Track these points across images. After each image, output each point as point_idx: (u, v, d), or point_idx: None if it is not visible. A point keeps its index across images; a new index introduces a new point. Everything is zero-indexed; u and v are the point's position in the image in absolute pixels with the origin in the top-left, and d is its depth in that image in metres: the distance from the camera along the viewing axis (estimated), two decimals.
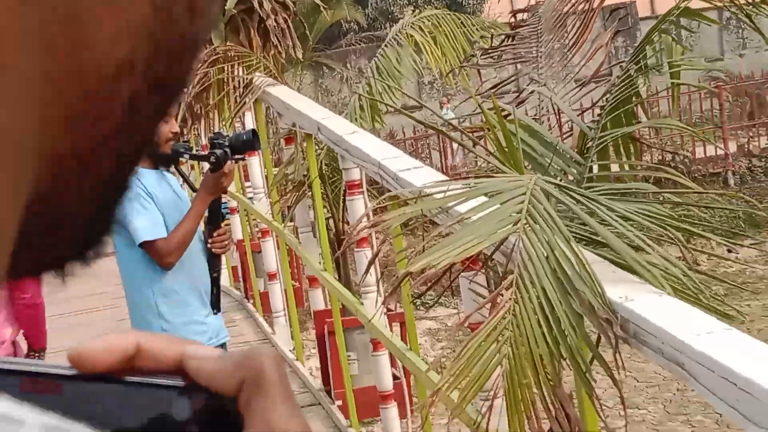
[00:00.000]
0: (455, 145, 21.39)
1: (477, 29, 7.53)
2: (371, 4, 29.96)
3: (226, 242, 4.98)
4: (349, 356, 6.67)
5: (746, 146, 21.52)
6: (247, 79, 8.24)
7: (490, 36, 7.00)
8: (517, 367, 2.80)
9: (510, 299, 2.95)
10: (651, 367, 11.64)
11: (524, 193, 3.16)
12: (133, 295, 4.76)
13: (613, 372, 2.76)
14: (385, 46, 7.67)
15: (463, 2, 30.93)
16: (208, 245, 4.86)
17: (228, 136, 4.96)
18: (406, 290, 4.99)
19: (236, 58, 8.41)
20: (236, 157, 4.94)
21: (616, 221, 3.08)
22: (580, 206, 3.12)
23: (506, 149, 3.67)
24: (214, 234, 4.89)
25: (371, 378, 6.97)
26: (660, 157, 18.31)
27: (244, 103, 8.04)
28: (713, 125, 21.50)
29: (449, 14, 7.60)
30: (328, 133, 5.93)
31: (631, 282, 2.91)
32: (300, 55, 10.27)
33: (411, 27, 7.46)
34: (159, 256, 4.69)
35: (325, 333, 7.14)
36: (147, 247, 4.67)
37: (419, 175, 4.57)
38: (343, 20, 28.29)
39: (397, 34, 7.60)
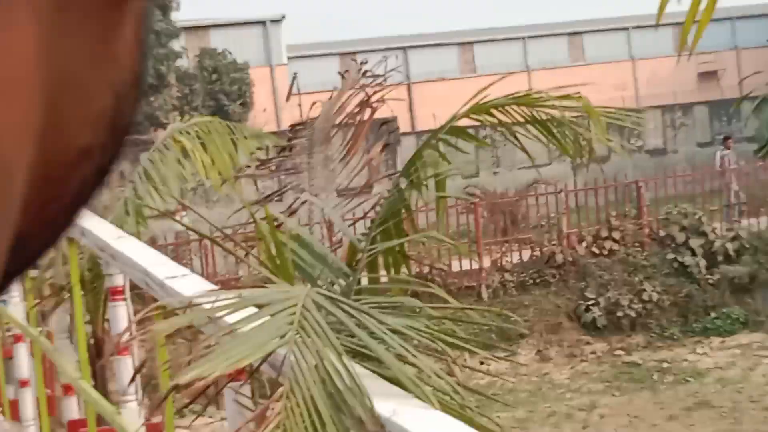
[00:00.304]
0: (218, 253, 21.31)
1: (246, 137, 7.57)
2: None
3: None
4: None
5: (499, 261, 22.21)
6: None
7: (264, 147, 7.05)
8: None
9: (280, 412, 2.93)
10: None
11: (295, 305, 3.17)
12: None
13: None
14: (154, 150, 7.61)
15: (229, 111, 31.11)
16: None
17: None
18: (170, 402, 4.90)
19: None
20: None
21: (387, 334, 3.12)
22: (352, 319, 3.15)
23: (277, 259, 3.68)
24: None
25: None
26: (418, 270, 18.72)
27: None
28: (469, 240, 22.17)
29: (220, 122, 7.62)
30: (93, 238, 5.81)
31: (400, 396, 2.94)
32: None
33: (180, 133, 7.44)
34: None
35: None
36: None
37: (186, 283, 4.52)
38: None
39: (166, 140, 7.56)
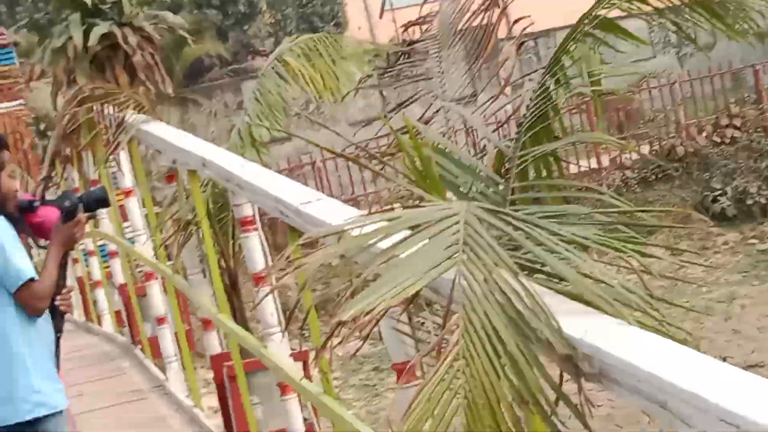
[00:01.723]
0: (332, 175, 21.07)
1: (353, 50, 7.26)
2: (231, 38, 29.61)
3: (71, 300, 4.68)
4: (252, 400, 6.32)
5: (618, 158, 21.67)
6: (118, 117, 7.84)
7: (374, 58, 6.75)
8: (475, 420, 2.52)
9: (458, 342, 2.66)
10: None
11: (457, 222, 2.88)
12: None
13: (580, 411, 2.49)
14: (262, 75, 7.35)
15: (322, 31, 30.76)
16: (56, 302, 4.50)
17: (78, 195, 4.66)
18: (316, 330, 4.68)
19: (105, 97, 8.01)
20: (88, 214, 4.63)
21: (561, 246, 2.82)
22: (520, 232, 2.85)
23: (424, 174, 3.39)
24: (63, 291, 4.55)
25: (277, 422, 6.62)
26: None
27: (118, 143, 7.64)
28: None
29: (327, 36, 7.31)
30: (215, 168, 5.59)
31: (587, 314, 2.65)
32: (170, 91, 9.88)
33: (289, 51, 7.16)
34: (35, 298, 4.34)
35: (224, 378, 6.77)
36: (24, 289, 4.30)
37: (323, 207, 4.27)
38: (204, 55, 27.88)
39: (274, 62, 7.28)
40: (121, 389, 8.60)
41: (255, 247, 5.49)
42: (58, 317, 4.54)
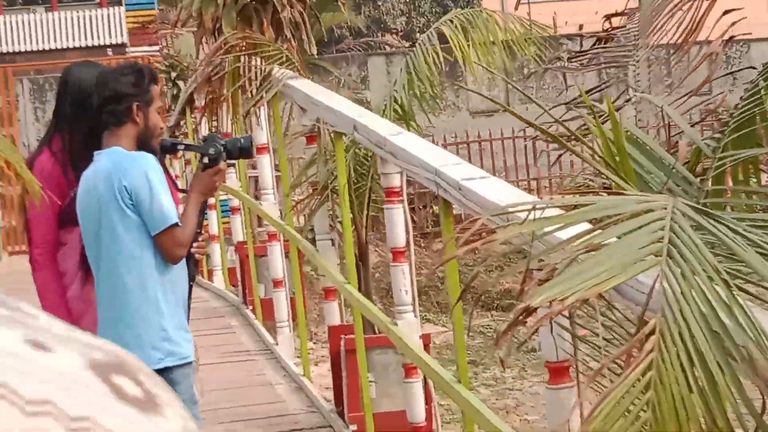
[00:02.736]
0: (486, 156, 20.63)
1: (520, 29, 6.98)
2: (364, 13, 29.52)
3: (205, 248, 4.48)
4: (368, 377, 6.10)
5: None
6: (265, 70, 7.66)
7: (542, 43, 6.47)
8: None
9: (652, 349, 2.39)
10: None
11: (663, 218, 2.60)
12: (132, 286, 4.16)
13: None
14: (418, 44, 7.11)
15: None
16: (191, 250, 4.29)
17: (222, 139, 4.43)
18: (458, 313, 4.43)
19: (254, 48, 7.83)
20: (229, 161, 4.42)
21: None
22: (736, 238, 2.56)
23: (618, 162, 3.11)
24: (199, 238, 4.34)
25: (390, 402, 6.42)
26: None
27: (262, 96, 7.45)
28: None
29: (489, 12, 7.03)
30: (367, 133, 5.36)
31: None
32: (314, 51, 9.69)
33: (446, 24, 6.89)
34: (175, 244, 4.15)
35: (341, 350, 6.56)
36: (167, 233, 4.11)
37: (487, 185, 4.01)
38: (335, 26, 27.79)
39: (430, 34, 7.03)
40: (228, 348, 8.46)
41: (398, 220, 5.25)
42: (192, 265, 4.36)
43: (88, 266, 4.59)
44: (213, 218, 11.14)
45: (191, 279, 4.36)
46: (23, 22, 23.11)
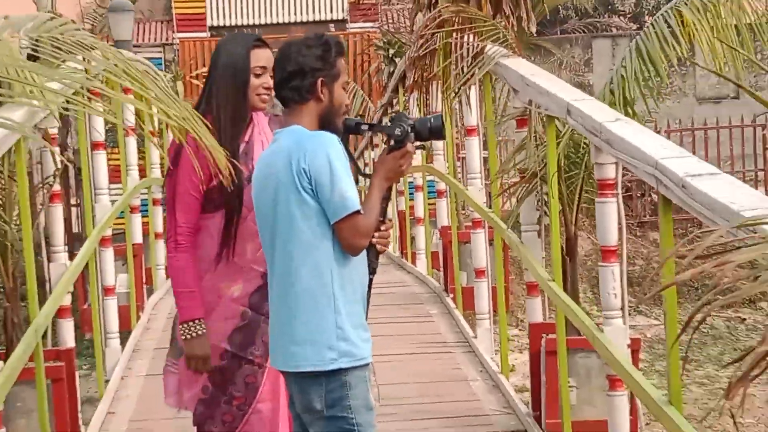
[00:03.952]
0: (713, 147, 19.68)
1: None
2: None
3: (389, 239, 4.02)
4: (568, 382, 5.60)
5: None
6: (478, 47, 7.21)
7: None
8: None
9: None
10: None
11: None
12: (307, 278, 3.77)
13: None
14: (650, 25, 6.51)
15: None
16: (373, 240, 3.85)
17: (411, 119, 3.95)
18: (672, 315, 3.89)
19: (468, 22, 7.38)
20: (417, 143, 3.95)
21: None
22: None
23: None
24: (381, 228, 3.88)
25: (592, 410, 5.94)
26: None
27: (473, 74, 7.01)
28: None
29: None
30: (582, 118, 4.87)
31: None
32: (533, 30, 9.16)
33: (685, 4, 6.27)
34: (357, 233, 3.73)
35: (541, 351, 6.09)
36: (347, 220, 3.71)
37: (716, 185, 3.48)
38: (561, 6, 27.07)
39: (666, 12, 6.42)
40: (426, 337, 8.09)
41: (611, 215, 4.75)
42: (373, 256, 3.94)
43: (222, 256, 4.28)
44: (419, 199, 10.80)
45: (371, 272, 3.95)
46: None
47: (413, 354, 7.66)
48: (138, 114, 7.83)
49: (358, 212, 3.74)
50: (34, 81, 3.55)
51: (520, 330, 15.87)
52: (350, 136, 4.02)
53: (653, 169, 3.84)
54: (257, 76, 4.30)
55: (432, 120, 3.97)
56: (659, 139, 4.26)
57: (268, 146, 4.01)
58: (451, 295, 8.96)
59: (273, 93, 4.00)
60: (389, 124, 3.95)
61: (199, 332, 4.27)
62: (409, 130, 3.90)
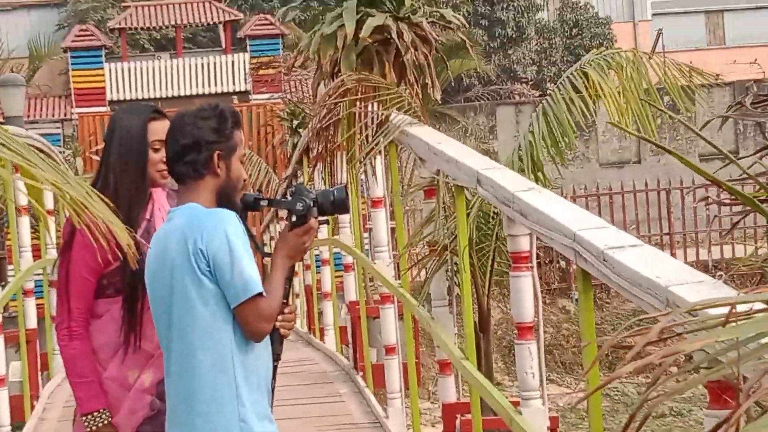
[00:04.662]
0: (617, 211, 19.67)
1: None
2: (494, 61, 28.84)
3: (293, 323, 3.72)
4: None
5: None
6: (382, 116, 6.98)
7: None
8: None
9: None
10: None
11: None
12: (208, 368, 3.45)
13: None
14: (557, 88, 6.34)
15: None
16: (276, 324, 3.55)
17: (312, 192, 3.67)
18: (594, 378, 3.64)
19: (371, 91, 7.15)
20: (320, 218, 3.67)
21: None
22: None
23: None
24: (285, 311, 3.58)
25: None
26: None
27: (378, 142, 6.76)
28: None
29: (638, 53, 6.25)
30: (493, 187, 4.62)
31: None
32: (438, 97, 8.97)
33: (590, 64, 6.12)
34: (259, 318, 3.42)
35: (456, 431, 5.79)
36: (249, 304, 3.40)
37: (638, 257, 3.24)
38: (464, 74, 27.18)
39: (571, 74, 6.26)
40: (336, 419, 7.75)
41: (526, 290, 4.49)
42: (277, 342, 3.63)
43: (128, 343, 3.94)
44: (326, 273, 10.52)
45: (276, 359, 3.64)
46: (149, 69, 22.96)
47: None
48: (30, 192, 7.48)
49: (260, 294, 3.44)
50: None
51: (431, 403, 15.57)
52: (249, 212, 3.73)
53: (571, 241, 3.60)
54: (156, 150, 4.01)
55: (335, 192, 3.69)
56: (575, 209, 4.02)
57: (161, 225, 3.70)
58: (361, 373, 8.65)
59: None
60: (290, 198, 3.66)
61: (104, 421, 3.96)
62: (312, 204, 3.62)
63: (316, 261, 11.37)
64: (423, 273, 6.45)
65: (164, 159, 3.98)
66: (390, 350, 7.45)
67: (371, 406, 7.91)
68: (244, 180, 3.63)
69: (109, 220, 3.45)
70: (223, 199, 3.57)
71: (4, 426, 7.19)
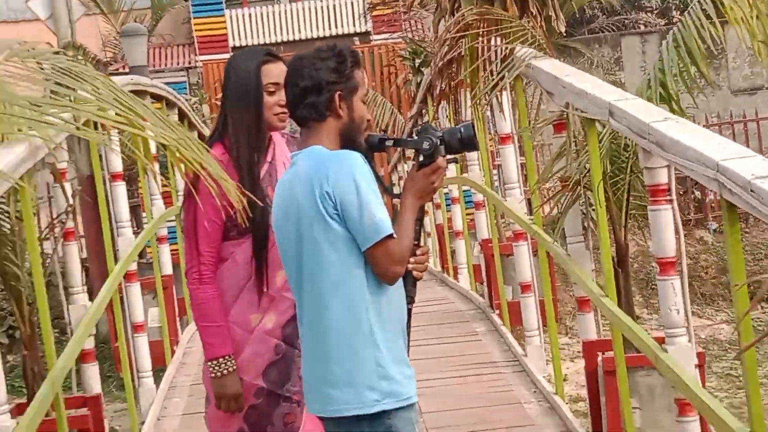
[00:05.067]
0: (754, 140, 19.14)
1: None
2: None
3: (427, 264, 3.63)
4: (631, 404, 5.19)
5: None
6: (506, 50, 6.81)
7: None
8: None
9: None
10: None
11: None
12: (340, 313, 3.40)
13: None
14: (687, 14, 6.09)
15: None
16: (409, 266, 3.47)
17: (439, 130, 3.57)
18: (747, 326, 3.47)
19: (493, 24, 6.99)
20: (449, 157, 3.56)
21: None
22: None
23: None
24: (417, 252, 3.48)
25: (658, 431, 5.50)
26: None
27: (502, 77, 6.61)
28: None
29: None
30: (627, 119, 4.46)
31: None
32: (562, 29, 8.74)
33: None
34: (391, 260, 3.35)
35: (598, 370, 5.67)
36: (380, 246, 3.33)
37: None
38: (587, 5, 26.62)
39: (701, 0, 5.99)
40: (473, 358, 7.69)
41: (666, 223, 4.35)
42: (410, 284, 3.56)
43: (253, 285, 3.95)
44: (457, 212, 10.44)
45: (410, 302, 3.57)
46: (269, 14, 23.00)
47: (461, 377, 7.27)
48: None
49: (391, 236, 3.37)
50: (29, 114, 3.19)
51: (569, 338, 15.42)
52: (375, 153, 3.65)
53: (714, 172, 3.44)
54: (271, 93, 3.97)
55: (462, 130, 3.59)
56: (716, 137, 3.85)
57: (285, 170, 3.65)
58: (497, 311, 8.56)
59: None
60: (416, 137, 3.57)
61: (229, 369, 3.96)
62: (438, 143, 3.53)
63: (446, 199, 11.29)
64: (555, 209, 6.32)
65: (280, 102, 3.96)
66: (526, 288, 7.35)
67: (509, 344, 7.83)
68: (368, 120, 3.55)
69: (221, 177, 3.41)
70: (347, 140, 3.50)
71: (145, 371, 7.30)
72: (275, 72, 3.96)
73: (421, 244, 3.57)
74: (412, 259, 3.48)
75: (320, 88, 3.47)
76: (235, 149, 3.96)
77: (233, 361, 3.96)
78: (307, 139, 3.51)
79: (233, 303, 3.99)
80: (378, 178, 3.49)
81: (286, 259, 3.52)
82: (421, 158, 3.52)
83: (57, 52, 3.26)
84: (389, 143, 3.64)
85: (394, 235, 3.38)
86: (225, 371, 3.96)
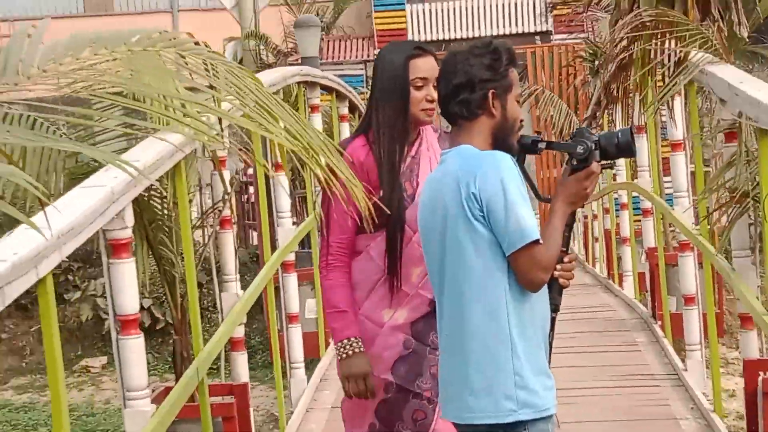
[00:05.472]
0: None
1: None
2: None
3: (573, 272, 3.49)
4: None
5: None
6: (680, 54, 6.59)
7: None
8: None
9: None
10: None
11: None
12: (481, 318, 3.30)
13: None
14: None
15: None
16: (555, 273, 3.33)
17: (595, 134, 3.42)
18: None
19: (667, 27, 6.76)
20: (603, 162, 3.41)
21: None
22: None
23: None
24: (564, 259, 3.35)
25: None
26: None
27: (675, 83, 6.39)
28: None
29: None
30: None
31: None
32: (745, 34, 8.43)
33: None
34: (536, 266, 3.24)
35: (758, 391, 5.43)
36: (525, 252, 3.22)
37: None
38: None
39: None
40: (631, 368, 7.47)
41: None
42: (555, 292, 3.43)
43: (386, 281, 3.91)
44: (625, 218, 10.23)
45: (554, 310, 3.44)
46: (450, 10, 22.98)
47: (617, 387, 7.07)
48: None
49: (537, 242, 3.25)
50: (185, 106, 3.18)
51: (740, 352, 14.91)
52: (527, 154, 3.53)
53: None
54: (418, 88, 3.91)
55: (620, 135, 3.44)
56: None
57: (435, 167, 3.57)
58: (659, 322, 8.31)
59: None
60: (570, 141, 3.44)
61: (356, 350, 3.94)
62: (594, 147, 3.39)
63: (615, 205, 11.06)
64: (722, 221, 6.08)
65: (427, 96, 3.89)
66: (689, 300, 7.10)
67: (669, 356, 7.59)
68: (521, 121, 3.44)
69: (351, 182, 3.33)
70: (499, 140, 3.40)
71: (298, 362, 7.31)
72: (423, 67, 3.90)
73: (569, 251, 3.45)
74: (558, 266, 3.36)
75: (473, 86, 3.37)
76: (378, 142, 3.93)
77: (360, 342, 3.95)
78: (458, 137, 3.42)
79: (366, 297, 3.98)
80: (529, 181, 3.38)
81: (429, 257, 3.45)
82: (574, 162, 3.40)
83: (197, 43, 3.24)
84: (542, 145, 3.52)
85: (541, 241, 3.27)
86: (351, 351, 3.94)
